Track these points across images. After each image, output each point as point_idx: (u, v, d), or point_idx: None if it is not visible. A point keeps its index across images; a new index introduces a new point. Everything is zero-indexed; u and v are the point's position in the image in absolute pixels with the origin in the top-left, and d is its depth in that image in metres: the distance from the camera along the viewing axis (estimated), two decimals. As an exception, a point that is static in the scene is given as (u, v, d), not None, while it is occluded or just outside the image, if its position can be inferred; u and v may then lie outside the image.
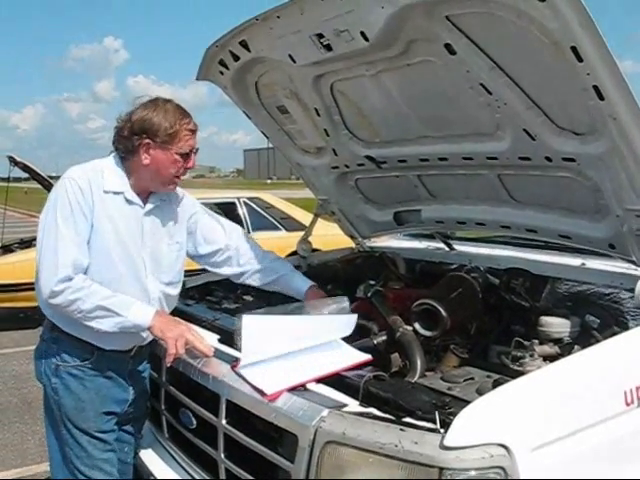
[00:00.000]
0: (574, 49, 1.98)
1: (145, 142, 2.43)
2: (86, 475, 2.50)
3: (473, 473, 1.64)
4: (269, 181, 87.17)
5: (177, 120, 2.46)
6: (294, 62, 2.80)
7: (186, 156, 2.51)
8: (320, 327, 2.45)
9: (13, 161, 9.14)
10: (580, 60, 1.99)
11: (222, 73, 3.17)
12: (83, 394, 2.48)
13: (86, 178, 2.41)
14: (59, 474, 2.57)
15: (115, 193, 2.46)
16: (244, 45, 2.89)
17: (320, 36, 2.55)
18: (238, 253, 2.89)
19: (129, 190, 2.50)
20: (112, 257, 2.43)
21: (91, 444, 2.50)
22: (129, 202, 2.50)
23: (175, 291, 2.69)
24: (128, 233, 2.48)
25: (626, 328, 2.45)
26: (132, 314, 2.37)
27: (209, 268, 2.92)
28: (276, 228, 9.27)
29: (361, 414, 1.85)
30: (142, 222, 2.53)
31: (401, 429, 1.74)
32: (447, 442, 1.65)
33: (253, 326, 2.26)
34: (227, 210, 9.68)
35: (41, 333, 2.58)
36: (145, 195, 2.55)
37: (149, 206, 2.55)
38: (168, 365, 2.44)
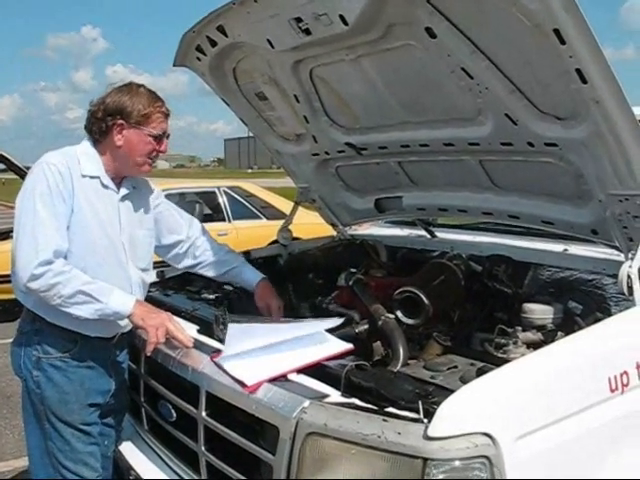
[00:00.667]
0: (557, 31, 1.94)
1: (119, 123, 2.45)
2: (71, 470, 2.46)
3: (457, 463, 1.62)
4: (250, 170, 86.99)
5: (150, 102, 2.50)
6: (272, 47, 2.75)
7: (159, 139, 2.53)
8: (302, 326, 2.42)
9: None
10: (563, 42, 1.96)
11: (199, 59, 3.11)
12: (67, 386, 2.44)
13: (64, 162, 2.39)
14: (40, 471, 2.52)
15: (92, 177, 2.46)
16: (221, 30, 2.83)
17: (298, 20, 2.50)
18: (195, 245, 2.92)
19: (104, 175, 2.50)
20: (94, 241, 2.42)
21: (75, 437, 2.47)
22: (105, 187, 2.50)
23: (149, 278, 2.71)
24: (107, 218, 2.48)
25: (609, 314, 2.44)
26: (113, 301, 2.35)
27: (168, 259, 2.93)
28: (257, 217, 9.27)
29: (343, 405, 1.82)
30: (118, 207, 2.53)
31: (384, 419, 1.70)
32: (431, 432, 1.62)
33: (237, 328, 2.24)
34: (207, 199, 9.65)
35: (19, 326, 2.52)
36: (118, 181, 2.55)
37: (123, 191, 2.56)
38: (148, 354, 2.40)
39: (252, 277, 2.96)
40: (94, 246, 2.42)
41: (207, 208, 9.67)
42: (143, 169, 2.57)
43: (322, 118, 3.17)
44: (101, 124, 2.47)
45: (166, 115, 2.55)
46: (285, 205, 8.43)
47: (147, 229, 2.68)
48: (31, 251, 2.27)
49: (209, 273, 2.98)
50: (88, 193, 2.43)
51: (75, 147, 2.52)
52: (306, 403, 1.87)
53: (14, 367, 2.51)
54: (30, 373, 2.44)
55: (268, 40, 2.72)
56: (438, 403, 1.67)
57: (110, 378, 2.58)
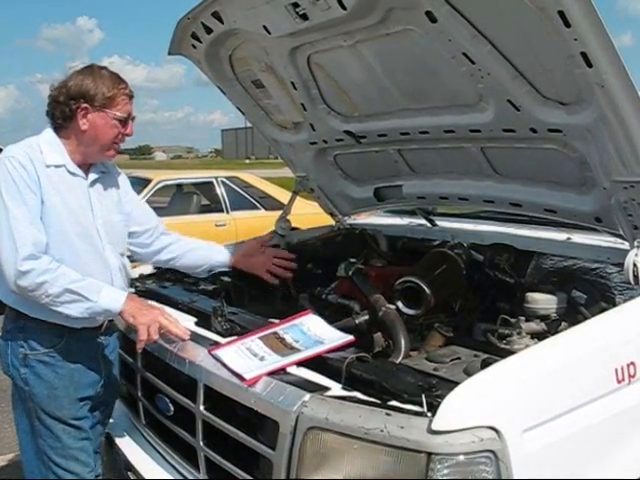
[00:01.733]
0: (561, 14, 1.90)
1: (83, 106, 2.40)
2: (62, 466, 2.43)
3: (462, 458, 1.59)
4: (247, 161, 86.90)
5: (114, 84, 2.45)
6: (269, 33, 2.70)
7: (124, 122, 2.48)
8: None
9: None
10: (567, 25, 1.91)
11: (195, 47, 3.06)
12: (56, 381, 2.41)
13: (25, 154, 2.34)
14: (33, 469, 2.49)
15: (57, 166, 2.41)
16: (216, 16, 2.78)
17: (295, 5, 2.45)
18: (164, 235, 2.90)
19: (70, 162, 2.45)
20: (67, 231, 2.38)
21: (66, 433, 2.44)
22: (72, 174, 2.45)
23: (128, 263, 2.67)
24: (78, 205, 2.44)
25: (613, 304, 2.41)
26: (102, 299, 2.31)
27: (134, 247, 2.85)
28: (255, 207, 9.24)
29: (344, 398, 1.79)
30: (89, 193, 2.49)
31: (387, 413, 1.67)
32: (435, 426, 1.58)
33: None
34: (205, 190, 9.62)
35: (3, 324, 2.48)
36: (85, 167, 2.51)
37: (92, 176, 2.52)
38: (139, 351, 2.39)
39: (227, 256, 2.98)
40: (67, 235, 2.38)
41: (205, 199, 9.65)
42: (109, 153, 2.53)
43: (320, 106, 3.12)
44: (64, 108, 2.41)
45: (130, 97, 2.50)
46: (283, 195, 8.39)
47: (122, 213, 2.64)
48: (11, 249, 2.23)
49: (183, 268, 3.00)
50: (55, 182, 2.38)
51: (37, 137, 2.47)
52: (306, 397, 1.83)
53: (2, 366, 2.49)
54: (18, 371, 2.41)
55: (264, 26, 2.67)
56: (442, 396, 1.63)
57: (100, 368, 2.55)
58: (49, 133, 2.48)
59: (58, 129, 2.46)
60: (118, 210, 2.62)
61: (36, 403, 2.41)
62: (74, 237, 2.39)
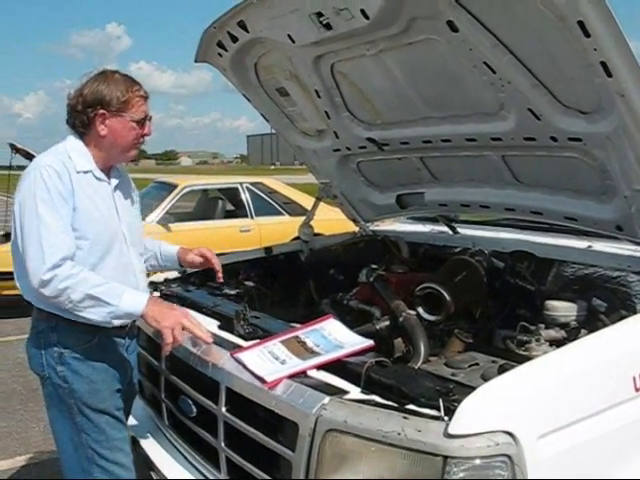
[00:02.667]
0: (581, 24, 1.92)
1: (100, 113, 2.44)
2: (109, 458, 2.44)
3: (478, 462, 1.60)
4: (272, 167, 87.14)
5: (128, 87, 2.47)
6: (293, 42, 2.75)
7: (141, 123, 2.51)
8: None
9: (14, 148, 9.11)
10: (587, 35, 1.94)
11: (220, 55, 3.12)
12: (94, 375, 2.44)
13: (60, 162, 2.38)
14: (73, 467, 2.48)
15: (85, 172, 2.45)
16: (242, 26, 2.84)
17: (319, 15, 2.50)
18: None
19: (96, 168, 2.50)
20: (100, 235, 2.42)
21: (109, 425, 2.46)
22: (98, 179, 2.50)
23: (144, 262, 2.74)
24: (106, 210, 2.48)
25: (634, 312, 2.40)
26: (124, 303, 2.31)
27: None
28: (279, 213, 9.27)
29: (363, 401, 1.81)
30: (113, 197, 2.54)
31: (404, 417, 1.69)
32: (451, 430, 1.60)
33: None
34: (230, 196, 9.68)
35: (33, 325, 2.51)
36: (107, 172, 2.55)
37: (114, 181, 2.57)
38: (165, 355, 2.40)
39: (170, 250, 2.95)
40: (100, 239, 2.42)
41: (230, 204, 9.70)
42: (130, 154, 2.58)
43: (343, 113, 3.16)
44: (82, 117, 2.45)
45: (145, 98, 2.53)
46: (308, 201, 8.42)
47: (137, 215, 2.72)
48: (39, 258, 2.25)
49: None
50: (85, 188, 2.41)
51: (63, 144, 2.50)
52: (326, 400, 1.86)
53: (34, 366, 2.50)
54: (54, 369, 2.42)
55: (289, 35, 2.72)
56: (459, 401, 1.65)
57: (125, 367, 2.58)
58: (73, 140, 2.51)
59: (80, 136, 2.50)
60: (133, 212, 2.68)
61: (77, 399, 2.41)
62: (107, 241, 2.44)
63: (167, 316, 2.35)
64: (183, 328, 2.33)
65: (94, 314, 2.30)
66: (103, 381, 2.45)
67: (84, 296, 2.26)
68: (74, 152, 2.45)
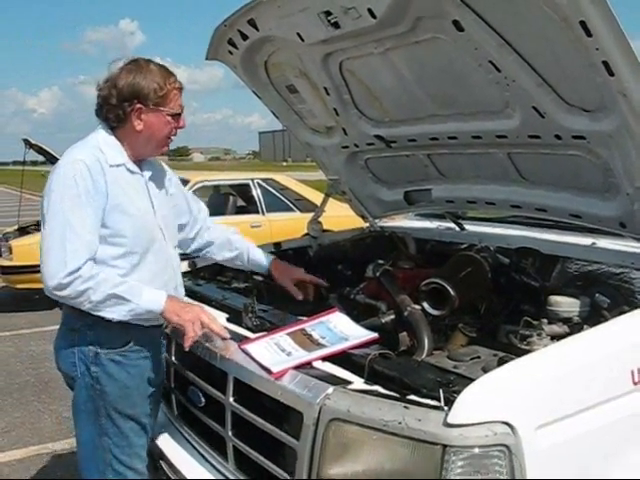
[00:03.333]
0: (583, 24, 1.95)
1: (137, 107, 2.36)
2: (126, 464, 2.43)
3: (477, 450, 1.64)
4: (284, 163, 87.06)
5: (165, 79, 2.39)
6: (302, 41, 2.79)
7: (177, 116, 2.45)
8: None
9: (28, 144, 9.20)
10: (589, 35, 1.97)
11: (231, 53, 3.16)
12: (128, 381, 2.40)
13: (92, 156, 2.31)
14: (90, 466, 2.45)
15: (118, 166, 2.38)
16: (252, 24, 2.87)
17: (328, 14, 2.53)
18: (204, 229, 2.90)
19: (129, 161, 2.43)
20: (140, 231, 2.37)
21: (133, 431, 2.44)
22: (131, 172, 2.43)
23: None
24: (142, 204, 2.43)
25: (636, 307, 2.42)
26: (144, 300, 2.30)
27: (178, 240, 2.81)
28: (290, 209, 9.30)
29: (366, 392, 1.86)
30: (148, 190, 2.49)
31: (405, 406, 1.73)
32: (451, 419, 1.64)
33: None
34: (242, 192, 9.73)
35: (65, 322, 2.46)
36: (138, 164, 2.49)
37: (147, 173, 2.50)
38: (186, 349, 2.36)
39: (263, 259, 2.96)
40: (140, 236, 2.37)
41: (241, 200, 9.75)
42: (164, 149, 2.52)
43: (352, 111, 3.20)
44: (117, 111, 2.37)
45: (181, 90, 2.46)
46: (318, 198, 8.40)
47: (172, 206, 2.64)
48: (60, 260, 2.20)
49: (217, 257, 2.98)
50: (119, 182, 2.35)
51: (94, 136, 2.42)
52: (330, 390, 1.90)
53: (64, 366, 2.44)
54: (87, 369, 2.37)
55: (298, 34, 2.76)
56: (459, 391, 1.69)
57: (160, 366, 2.55)
58: (104, 132, 2.43)
59: (114, 129, 2.42)
60: (169, 204, 2.61)
61: (107, 402, 2.37)
62: (147, 237, 2.40)
63: (187, 311, 2.36)
64: (201, 323, 2.35)
65: (113, 312, 2.27)
66: (137, 387, 2.43)
67: (106, 296, 2.23)
68: (106, 145, 2.38)
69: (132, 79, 2.36)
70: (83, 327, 2.37)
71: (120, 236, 2.33)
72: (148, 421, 2.52)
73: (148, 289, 2.34)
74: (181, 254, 2.74)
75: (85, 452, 2.47)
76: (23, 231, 9.09)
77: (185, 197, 2.84)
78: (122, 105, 2.36)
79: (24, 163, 9.69)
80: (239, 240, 2.98)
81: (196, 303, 2.59)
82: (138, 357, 2.43)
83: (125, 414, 2.41)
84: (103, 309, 2.26)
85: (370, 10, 2.39)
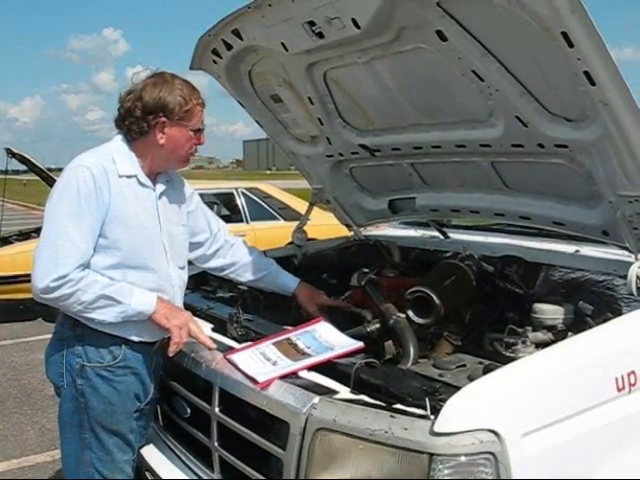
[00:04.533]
0: (564, 34, 1.97)
1: (161, 121, 2.36)
2: (107, 479, 2.39)
3: (463, 459, 1.64)
4: (268, 172, 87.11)
5: (190, 95, 2.40)
6: (286, 50, 2.79)
7: (198, 132, 2.46)
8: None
9: (10, 153, 9.14)
10: (571, 45, 1.98)
11: (215, 62, 3.16)
12: (113, 397, 2.36)
13: (100, 165, 2.29)
14: (73, 478, 2.42)
15: (128, 177, 2.36)
16: (237, 34, 2.88)
17: (312, 24, 2.54)
18: (226, 247, 2.88)
19: (141, 173, 2.40)
20: (137, 245, 2.34)
21: (117, 447, 2.40)
22: (142, 185, 2.40)
23: (186, 276, 2.62)
24: (147, 217, 2.40)
25: (620, 315, 2.44)
26: (134, 301, 2.28)
27: (194, 258, 2.84)
28: (274, 218, 9.31)
29: (352, 401, 1.86)
30: (157, 205, 2.45)
31: (391, 415, 1.74)
32: (437, 428, 1.65)
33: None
34: (225, 200, 9.72)
35: (57, 330, 2.43)
36: (153, 177, 2.46)
37: (160, 188, 2.47)
38: (170, 355, 2.36)
39: (289, 282, 2.95)
40: (136, 250, 2.34)
41: (225, 209, 9.73)
42: (183, 165, 2.52)
43: (336, 120, 3.21)
44: (141, 123, 2.36)
45: (203, 106, 2.47)
46: (303, 206, 8.42)
47: (183, 225, 2.60)
48: (50, 263, 2.18)
49: (241, 278, 2.95)
50: (126, 193, 2.33)
51: (109, 145, 2.42)
52: (316, 399, 1.90)
53: (51, 375, 2.42)
54: (73, 381, 2.34)
55: (282, 43, 2.77)
56: (445, 400, 1.70)
57: (149, 384, 2.50)
58: (120, 142, 2.42)
59: (131, 141, 2.41)
60: (179, 222, 2.57)
61: (91, 416, 2.34)
62: (144, 252, 2.36)
63: (177, 315, 2.36)
64: (189, 331, 2.35)
65: (105, 314, 2.25)
66: (122, 403, 2.39)
67: (96, 297, 2.22)
68: (119, 155, 2.37)
69: (158, 93, 2.36)
70: (72, 338, 2.35)
71: (116, 248, 2.30)
72: (134, 437, 2.47)
73: (139, 290, 2.32)
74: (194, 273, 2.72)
75: (69, 464, 2.45)
76: (5, 241, 9.01)
77: (205, 215, 2.83)
78: (146, 117, 2.35)
79: (6, 172, 9.62)
80: (265, 262, 2.98)
81: (186, 311, 2.56)
82: (125, 373, 2.39)
83: (109, 429, 2.38)
84: (93, 311, 2.24)
85: (354, 20, 2.41)
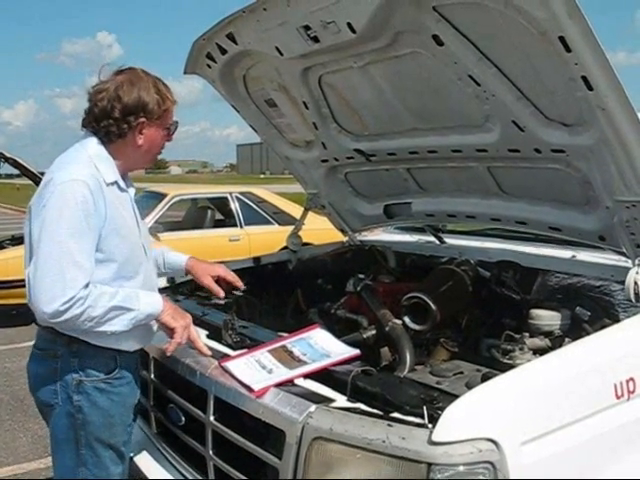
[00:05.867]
0: (562, 39, 1.96)
1: (141, 121, 2.29)
2: None
3: (462, 469, 1.63)
4: (262, 176, 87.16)
5: (166, 93, 2.36)
6: (281, 55, 2.78)
7: (171, 130, 2.44)
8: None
9: (3, 157, 9.08)
10: (568, 50, 1.98)
11: (210, 66, 3.15)
12: (112, 409, 2.29)
13: (93, 177, 2.19)
14: None
15: (112, 184, 2.27)
16: (231, 38, 2.86)
17: (307, 28, 2.53)
18: None
19: (120, 178, 2.33)
20: (130, 254, 2.29)
21: (112, 460, 2.33)
22: (121, 190, 2.33)
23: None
24: (132, 221, 2.36)
25: (617, 320, 2.44)
26: (143, 305, 2.23)
27: None
28: (269, 222, 9.29)
29: (349, 409, 1.84)
30: (133, 208, 2.40)
31: (389, 424, 1.72)
32: (435, 437, 1.63)
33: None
34: (219, 205, 9.70)
35: (43, 347, 2.31)
36: (124, 179, 2.39)
37: (131, 190, 2.43)
38: (169, 354, 2.33)
39: (179, 259, 2.85)
40: (130, 260, 2.29)
41: (219, 214, 9.73)
42: (151, 162, 2.49)
43: (331, 125, 3.19)
44: (122, 125, 2.27)
45: (175, 103, 2.42)
46: (297, 211, 8.44)
47: (145, 223, 2.58)
48: (57, 286, 2.07)
49: None
50: (114, 201, 2.26)
51: (85, 149, 2.29)
52: (312, 408, 1.88)
53: (41, 394, 2.31)
54: (69, 398, 2.25)
55: (277, 48, 2.75)
56: (443, 408, 1.68)
57: (138, 389, 2.46)
58: (97, 146, 2.31)
59: (107, 142, 2.31)
60: (144, 221, 2.57)
61: (89, 431, 2.27)
62: (135, 260, 2.33)
63: (182, 316, 2.35)
64: (188, 336, 2.34)
65: (116, 325, 2.18)
66: (119, 415, 2.33)
67: (106, 310, 2.14)
68: (99, 161, 2.27)
69: (136, 92, 2.28)
70: (67, 354, 2.25)
71: (112, 260, 2.23)
72: (126, 449, 2.43)
73: (143, 292, 2.28)
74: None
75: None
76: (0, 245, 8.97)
77: None
78: (127, 119, 2.27)
79: (-1, 177, 9.57)
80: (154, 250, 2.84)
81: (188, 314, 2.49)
82: (121, 384, 2.34)
83: (107, 443, 2.31)
84: (104, 324, 2.16)
85: (350, 25, 2.39)
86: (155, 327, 2.41)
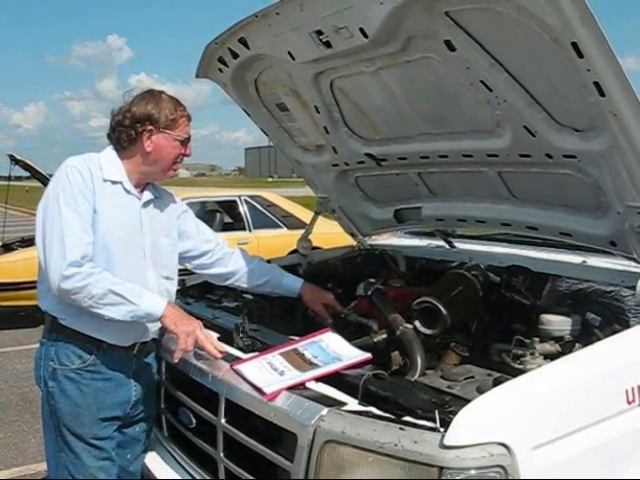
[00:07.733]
0: (574, 45, 1.96)
1: (148, 128, 2.49)
2: None
3: (473, 472, 1.63)
4: (270, 179, 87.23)
5: (175, 107, 2.56)
6: (293, 59, 2.79)
7: (184, 143, 2.59)
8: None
9: (14, 159, 9.14)
10: (581, 56, 1.98)
11: (221, 71, 3.16)
12: (79, 399, 2.44)
13: (85, 165, 2.43)
14: None
15: (113, 182, 2.49)
16: (243, 42, 2.88)
17: (319, 33, 2.54)
18: (226, 255, 2.94)
19: (127, 180, 2.53)
20: (109, 243, 2.42)
21: (85, 451, 2.46)
22: (127, 192, 2.53)
23: (174, 288, 2.70)
24: (129, 221, 2.51)
25: (627, 326, 2.43)
26: (145, 303, 2.36)
27: (196, 268, 2.94)
28: (277, 226, 9.29)
29: (360, 413, 1.84)
30: (140, 213, 2.55)
31: (401, 428, 1.72)
32: (447, 441, 1.64)
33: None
34: (228, 208, 9.71)
35: (42, 338, 2.53)
36: (140, 189, 2.59)
37: (146, 197, 2.59)
38: (175, 361, 2.40)
39: (294, 283, 3.01)
40: (107, 247, 2.42)
41: (228, 217, 9.72)
42: (169, 173, 2.62)
43: (342, 129, 3.20)
44: (130, 131, 2.50)
45: (189, 119, 2.62)
46: (306, 214, 8.46)
47: (171, 238, 2.69)
48: (60, 254, 2.28)
49: (245, 285, 3.00)
50: (109, 196, 2.45)
51: (98, 154, 2.54)
52: (324, 411, 1.89)
53: (35, 378, 2.54)
54: (46, 384, 2.46)
55: (289, 52, 2.76)
56: (455, 413, 1.68)
57: (131, 388, 2.56)
58: (110, 151, 2.57)
59: (120, 150, 2.55)
60: (167, 234, 2.67)
61: (59, 418, 2.44)
62: (115, 249, 2.43)
63: (186, 322, 2.40)
64: (196, 340, 2.37)
65: (114, 312, 2.32)
66: (88, 407, 2.45)
67: (106, 291, 2.30)
68: (106, 162, 2.51)
69: (145, 104, 2.52)
70: (48, 342, 2.47)
71: (93, 243, 2.38)
72: (108, 445, 2.51)
73: (149, 293, 2.42)
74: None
75: (51, 466, 2.56)
76: (7, 247, 9.01)
77: (198, 228, 2.90)
78: (134, 126, 2.50)
79: (9, 179, 9.62)
80: (267, 267, 3.07)
81: (194, 318, 2.55)
82: (94, 378, 2.46)
83: (74, 433, 2.45)
84: (103, 307, 2.32)
85: (362, 30, 2.40)
86: (153, 329, 2.56)
